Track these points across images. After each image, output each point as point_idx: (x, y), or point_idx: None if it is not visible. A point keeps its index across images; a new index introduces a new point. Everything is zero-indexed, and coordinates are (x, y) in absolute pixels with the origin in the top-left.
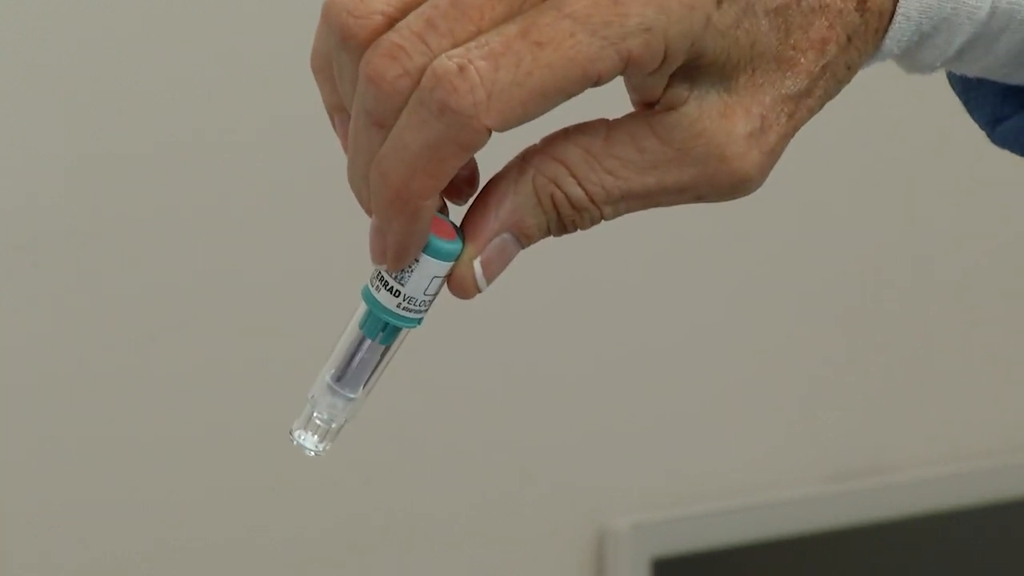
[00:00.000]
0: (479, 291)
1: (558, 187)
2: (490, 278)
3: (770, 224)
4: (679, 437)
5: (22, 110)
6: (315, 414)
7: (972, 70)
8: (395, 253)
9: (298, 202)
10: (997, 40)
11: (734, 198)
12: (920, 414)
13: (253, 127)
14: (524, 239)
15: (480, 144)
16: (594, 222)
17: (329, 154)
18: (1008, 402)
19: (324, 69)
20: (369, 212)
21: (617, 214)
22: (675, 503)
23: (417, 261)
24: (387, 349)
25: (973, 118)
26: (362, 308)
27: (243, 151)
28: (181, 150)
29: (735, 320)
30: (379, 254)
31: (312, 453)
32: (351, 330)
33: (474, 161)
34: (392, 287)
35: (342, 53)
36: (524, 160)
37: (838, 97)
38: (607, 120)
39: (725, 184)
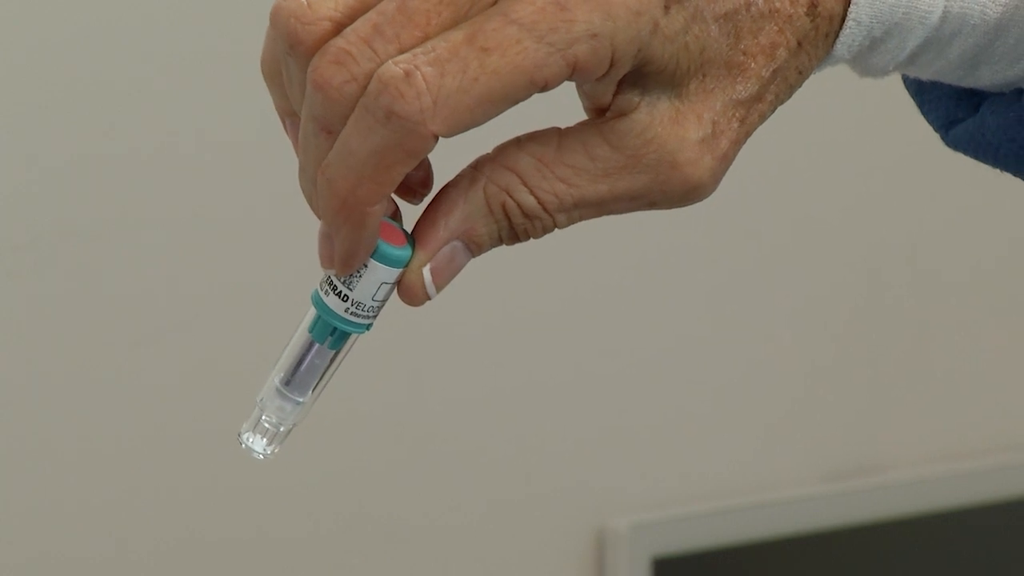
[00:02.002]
0: (428, 298)
1: (510, 196)
2: (439, 286)
3: (765, 226)
4: (678, 437)
5: (22, 110)
6: (263, 417)
7: (925, 74)
8: (343, 259)
9: (300, 204)
10: (949, 45)
11: (686, 204)
12: (916, 414)
13: (254, 128)
14: (474, 247)
15: (426, 150)
16: (547, 230)
17: None
18: (1004, 401)
19: (274, 75)
20: (317, 214)
21: (571, 222)
22: (674, 503)
23: (366, 266)
24: (336, 354)
25: (928, 121)
26: (311, 312)
27: (244, 152)
28: (182, 151)
29: (732, 321)
30: (327, 259)
31: (260, 456)
32: (300, 334)
33: (428, 161)
34: (341, 292)
35: (290, 59)
36: (475, 169)
37: (831, 97)
38: (559, 129)
39: (677, 190)
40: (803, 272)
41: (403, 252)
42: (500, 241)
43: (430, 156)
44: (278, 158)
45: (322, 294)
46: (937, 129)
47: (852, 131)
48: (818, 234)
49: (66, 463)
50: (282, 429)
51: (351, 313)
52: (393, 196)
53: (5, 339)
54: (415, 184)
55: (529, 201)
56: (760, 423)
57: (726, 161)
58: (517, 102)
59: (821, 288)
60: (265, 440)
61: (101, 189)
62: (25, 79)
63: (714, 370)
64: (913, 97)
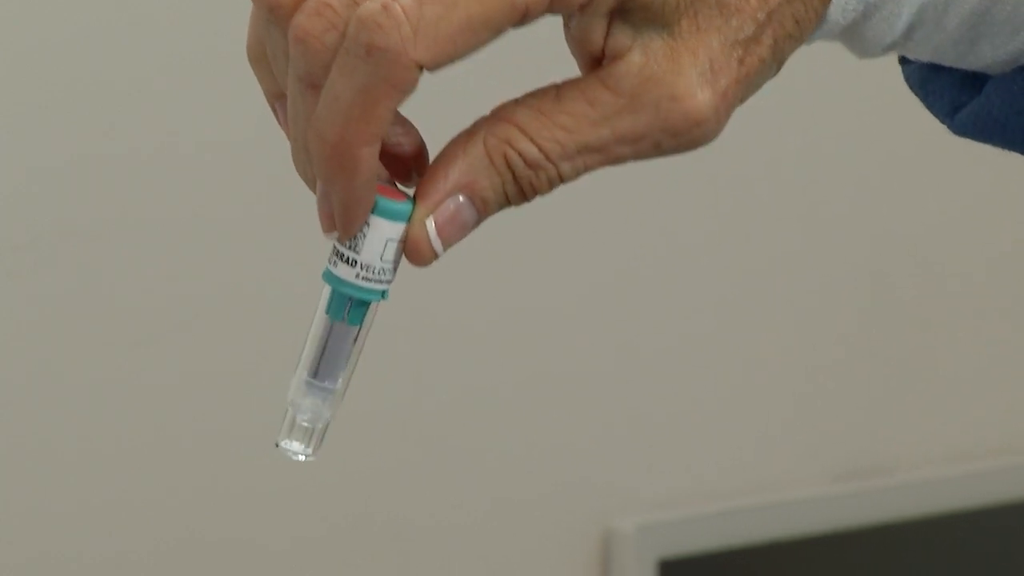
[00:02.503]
0: (435, 255)
1: (510, 146)
2: (446, 241)
3: (774, 223)
4: (686, 437)
5: (21, 110)
6: (298, 417)
7: (924, 52)
8: (342, 214)
9: (301, 203)
10: (946, 12)
11: (694, 145)
12: (926, 414)
13: (255, 128)
14: (479, 202)
15: (411, 82)
16: (552, 183)
17: None
18: (1014, 401)
19: (260, 57)
20: (314, 192)
21: (576, 171)
22: (682, 503)
23: (368, 225)
24: (358, 331)
25: (933, 113)
26: (325, 294)
27: (244, 152)
28: (182, 151)
29: (740, 320)
30: (327, 220)
31: (303, 458)
32: (318, 320)
33: (419, 136)
34: (348, 257)
35: (273, 28)
36: (474, 126)
37: (839, 93)
38: (556, 83)
39: (680, 125)
40: (811, 270)
41: (404, 206)
42: (506, 198)
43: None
44: (279, 158)
45: (331, 267)
46: (943, 118)
47: (858, 128)
48: (826, 231)
49: (66, 463)
50: (319, 425)
51: (363, 279)
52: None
53: (4, 339)
54: (408, 158)
55: (531, 150)
56: (769, 423)
57: (727, 100)
58: (500, 31)
59: (829, 286)
60: (304, 441)
61: (101, 189)
62: (24, 79)
63: (722, 369)
64: (918, 92)
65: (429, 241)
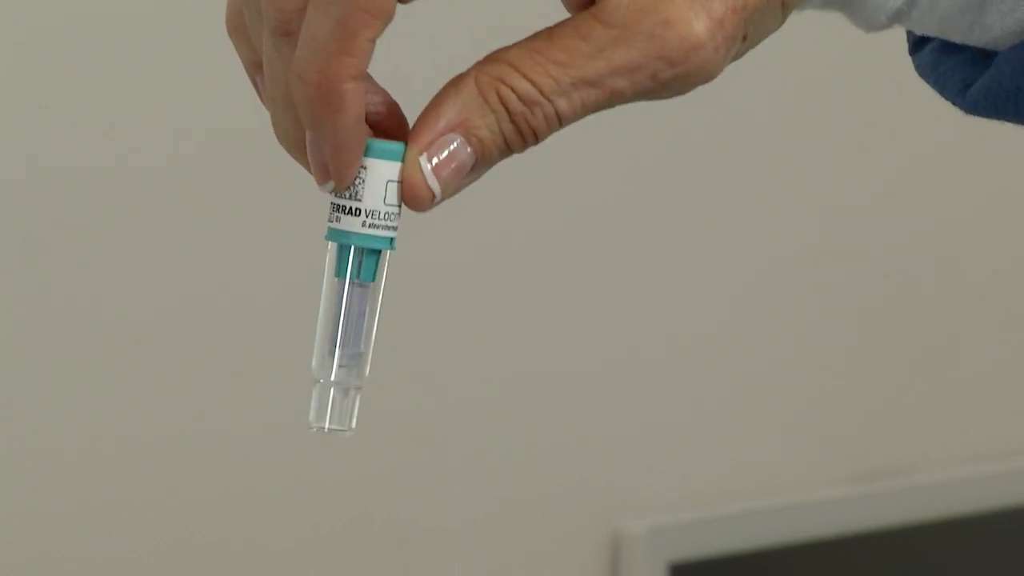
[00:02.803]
0: (433, 196)
1: (503, 82)
2: (443, 181)
3: (790, 217)
4: (697, 437)
5: (18, 108)
6: (331, 392)
7: (930, 22)
8: (335, 158)
9: (298, 201)
10: None
11: (694, 76)
12: (946, 413)
13: (251, 126)
14: (476, 142)
15: (388, 9)
16: (550, 122)
17: None
18: None
19: (238, 26)
20: (302, 160)
21: (573, 109)
22: (693, 505)
23: (365, 169)
24: (373, 288)
25: (945, 95)
26: (331, 256)
27: (242, 150)
28: (178, 149)
29: (754, 318)
30: (321, 171)
31: (345, 433)
32: (328, 286)
33: (392, 99)
34: (350, 207)
35: None
36: (466, 71)
37: (853, 88)
38: (549, 26)
39: (675, 51)
40: (827, 266)
41: (398, 146)
42: (504, 140)
43: None
44: (277, 156)
45: (334, 223)
46: (954, 97)
47: (873, 125)
48: (844, 227)
49: (64, 462)
50: (351, 394)
51: (369, 226)
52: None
53: (2, 337)
54: (383, 118)
55: (524, 85)
56: (783, 422)
57: (724, 28)
58: None
59: (846, 282)
60: (340, 416)
61: (97, 184)
62: (20, 76)
63: (735, 367)
64: (929, 77)
65: (425, 180)
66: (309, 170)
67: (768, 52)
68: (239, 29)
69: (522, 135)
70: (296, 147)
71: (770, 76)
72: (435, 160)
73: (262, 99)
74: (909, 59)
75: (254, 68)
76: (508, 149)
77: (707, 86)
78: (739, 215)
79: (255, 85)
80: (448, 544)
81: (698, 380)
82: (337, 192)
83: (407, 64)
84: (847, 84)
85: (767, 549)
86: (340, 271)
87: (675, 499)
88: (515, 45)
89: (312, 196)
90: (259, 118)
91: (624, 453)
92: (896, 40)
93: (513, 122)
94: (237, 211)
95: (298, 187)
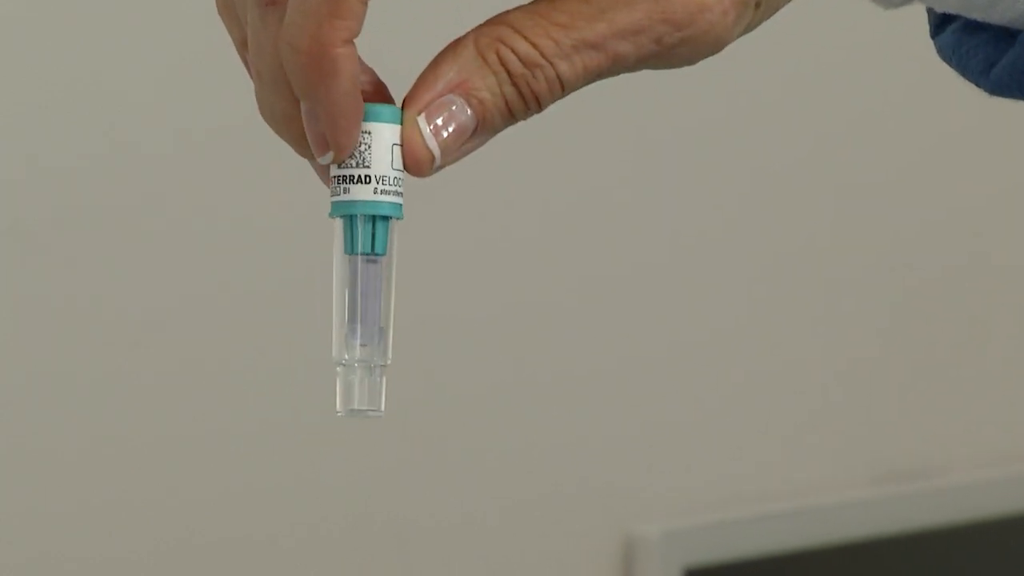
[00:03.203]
0: (433, 159)
1: (503, 43)
2: (443, 144)
3: (808, 208)
4: (712, 438)
5: (14, 107)
6: (357, 372)
7: (950, 0)
8: (333, 126)
9: (298, 198)
10: None
11: (701, 43)
12: (969, 413)
13: (246, 121)
14: (476, 104)
15: None
16: (552, 86)
17: None
18: None
19: (227, 3)
20: (288, 136)
21: (575, 74)
22: (708, 508)
23: (369, 134)
24: (387, 261)
25: (968, 76)
26: (338, 232)
27: (241, 148)
28: (172, 145)
29: (771, 316)
30: (319, 142)
31: (375, 415)
32: (339, 265)
33: (377, 76)
34: (359, 175)
35: None
36: (465, 34)
37: (870, 78)
38: None
39: (681, 15)
40: (846, 262)
41: (397, 109)
42: (506, 103)
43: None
44: (277, 154)
45: (341, 196)
46: (977, 77)
47: (894, 116)
48: (863, 221)
49: (62, 462)
50: (376, 372)
51: (381, 192)
52: None
53: None
54: (370, 96)
55: (524, 47)
56: (801, 423)
57: None
58: None
59: (866, 278)
60: (367, 397)
61: (92, 179)
62: (16, 73)
63: (752, 366)
64: (950, 58)
65: (424, 142)
66: (294, 147)
67: (787, 35)
68: (227, 7)
69: (524, 99)
70: (283, 122)
71: (783, 63)
72: (434, 122)
73: (251, 74)
74: (929, 46)
75: (243, 47)
76: (510, 114)
77: (722, 72)
78: (757, 208)
79: (245, 64)
80: (452, 548)
81: (714, 380)
82: (338, 161)
83: (392, 47)
84: (869, 75)
85: (784, 553)
86: (352, 246)
87: (690, 502)
88: (516, 8)
89: (311, 194)
90: (257, 114)
91: (638, 454)
92: (919, 22)
93: (515, 84)
94: (236, 208)
95: (297, 184)
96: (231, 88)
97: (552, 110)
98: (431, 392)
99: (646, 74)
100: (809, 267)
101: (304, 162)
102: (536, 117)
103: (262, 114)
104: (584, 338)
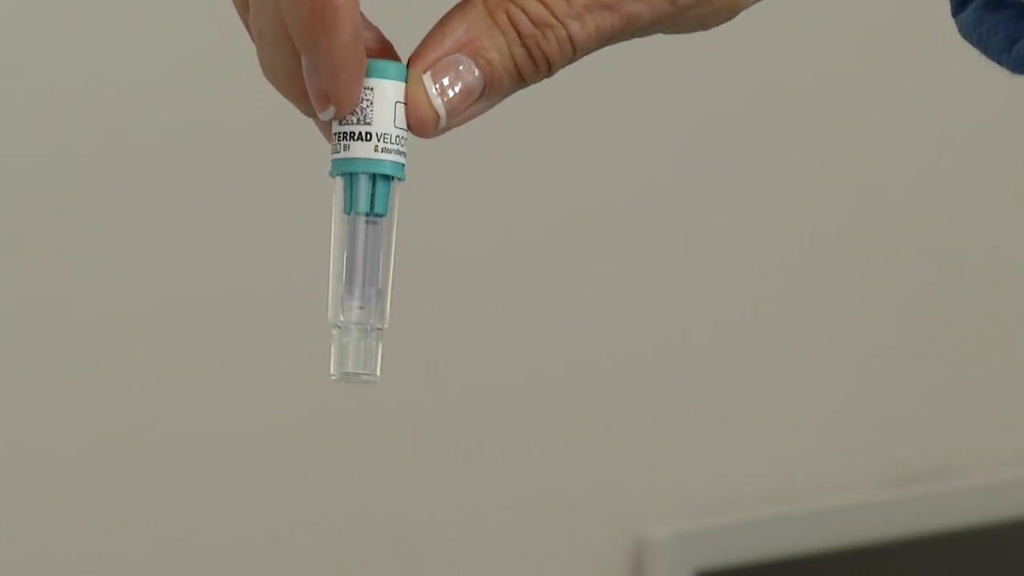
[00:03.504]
0: (438, 119)
1: (513, 2)
2: (448, 104)
3: (823, 199)
4: (724, 437)
5: (13, 98)
6: (348, 337)
7: None
8: (333, 79)
9: (290, 196)
10: None
11: (714, 6)
12: (989, 411)
13: (246, 121)
14: (484, 64)
15: None
16: (563, 48)
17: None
18: None
19: None
20: (291, 94)
21: (588, 35)
22: (720, 510)
23: (372, 90)
24: (387, 223)
25: (989, 54)
26: (339, 193)
27: (231, 142)
28: (165, 142)
29: (783, 308)
30: (320, 97)
31: (369, 379)
32: (338, 224)
33: (382, 35)
34: (359, 132)
35: None
36: None
37: (898, 64)
38: None
39: None
40: (862, 254)
41: (402, 65)
42: (515, 65)
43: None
44: (275, 153)
45: (341, 152)
46: (999, 55)
47: (921, 100)
48: (879, 211)
49: (61, 461)
50: (372, 335)
51: (381, 150)
52: None
53: None
54: (375, 55)
55: (535, 7)
56: (814, 423)
57: None
58: None
59: (883, 271)
60: (362, 360)
61: (87, 174)
62: (14, 68)
63: (763, 364)
64: (971, 35)
65: (429, 100)
66: (297, 104)
67: (807, 21)
68: None
69: (534, 61)
70: (285, 79)
71: (803, 50)
72: (440, 81)
73: (252, 35)
74: (947, 36)
75: (244, 8)
76: (520, 76)
77: (739, 60)
78: (773, 206)
79: (246, 26)
80: (466, 549)
81: (726, 381)
82: (339, 117)
83: (398, 8)
84: (897, 61)
85: (797, 556)
86: (353, 205)
87: (702, 503)
88: None
89: (310, 192)
90: (255, 110)
91: (648, 455)
92: (941, 6)
93: (524, 46)
94: (234, 208)
95: (297, 184)
96: (231, 87)
97: (565, 101)
98: (438, 391)
99: (667, 63)
100: (824, 265)
101: (302, 162)
102: (548, 109)
103: (264, 72)
104: (593, 337)
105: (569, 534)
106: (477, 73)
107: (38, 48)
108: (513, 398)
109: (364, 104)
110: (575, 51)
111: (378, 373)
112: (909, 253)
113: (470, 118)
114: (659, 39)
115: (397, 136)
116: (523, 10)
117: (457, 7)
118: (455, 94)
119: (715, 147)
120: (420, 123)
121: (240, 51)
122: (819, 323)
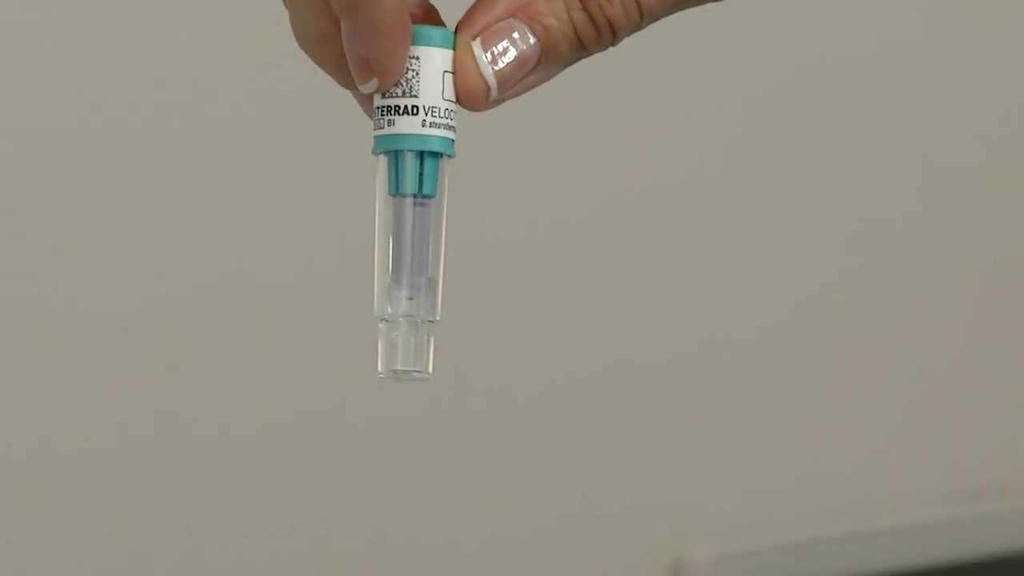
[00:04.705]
0: (488, 90)
1: None
2: (500, 74)
3: (883, 200)
4: (770, 453)
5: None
6: (402, 327)
7: None
8: (376, 48)
9: (294, 193)
10: None
11: None
12: None
13: (245, 119)
14: (540, 30)
15: None
16: (629, 12)
17: (325, 144)
18: None
19: None
20: (324, 60)
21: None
22: (764, 530)
23: (418, 59)
24: (437, 204)
25: None
26: (383, 172)
27: (231, 142)
28: (166, 141)
29: (837, 314)
30: (362, 66)
31: (421, 376)
32: (384, 210)
33: (429, 2)
34: (404, 106)
35: None
36: None
37: (951, 66)
38: None
39: None
40: (923, 259)
41: (449, 31)
42: (575, 32)
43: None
44: (275, 152)
45: (385, 128)
46: None
47: (976, 102)
48: (942, 212)
49: (60, 461)
50: (423, 328)
51: (430, 124)
52: None
53: None
54: (419, 21)
55: None
56: (866, 435)
57: None
58: None
59: (945, 277)
60: (412, 356)
61: (81, 165)
62: (12, 65)
63: (812, 374)
64: None
65: (479, 70)
66: (333, 75)
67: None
68: None
69: (597, 27)
70: (319, 45)
71: (867, 37)
72: (492, 49)
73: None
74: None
75: None
76: (580, 45)
77: (790, 47)
78: (825, 203)
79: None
80: (498, 567)
81: (774, 389)
82: (383, 90)
83: None
84: (950, 62)
85: None
86: (399, 186)
87: (744, 522)
88: None
89: (309, 190)
90: (253, 108)
91: (689, 471)
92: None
93: (586, 9)
94: (235, 206)
95: (297, 184)
96: (230, 85)
97: (590, 93)
98: (453, 401)
99: (717, 56)
100: (887, 272)
101: (301, 161)
102: (566, 105)
103: (296, 38)
104: (637, 351)
105: (605, 553)
106: (532, 40)
107: (38, 48)
108: (550, 409)
109: (409, 74)
110: (642, 16)
111: (430, 370)
112: (976, 261)
113: (524, 90)
114: (708, 19)
115: (446, 110)
116: None
117: None
118: (508, 63)
119: (766, 138)
120: (470, 95)
121: (240, 50)
122: (876, 334)
